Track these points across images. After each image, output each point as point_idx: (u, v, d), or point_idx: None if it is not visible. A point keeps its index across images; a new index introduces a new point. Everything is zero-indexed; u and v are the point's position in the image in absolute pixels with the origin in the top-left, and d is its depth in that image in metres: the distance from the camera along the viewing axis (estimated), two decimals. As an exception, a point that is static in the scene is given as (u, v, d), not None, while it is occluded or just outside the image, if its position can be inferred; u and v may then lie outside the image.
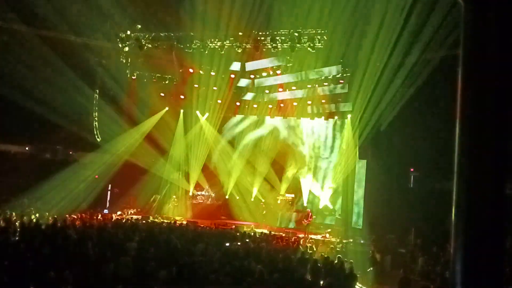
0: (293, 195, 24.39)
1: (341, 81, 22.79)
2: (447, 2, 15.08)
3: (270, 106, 26.52)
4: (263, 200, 25.04)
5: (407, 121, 19.84)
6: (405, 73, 19.60)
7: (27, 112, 20.96)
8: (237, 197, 25.85)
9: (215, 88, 26.51)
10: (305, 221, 21.06)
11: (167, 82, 26.77)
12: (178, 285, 8.61)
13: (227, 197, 26.03)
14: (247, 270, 9.69)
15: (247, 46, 22.62)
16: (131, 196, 24.97)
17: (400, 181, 21.88)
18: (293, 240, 17.48)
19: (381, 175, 21.28)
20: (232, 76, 25.56)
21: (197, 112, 27.29)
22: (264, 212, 23.13)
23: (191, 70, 25.92)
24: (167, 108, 27.00)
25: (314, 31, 20.87)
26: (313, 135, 25.02)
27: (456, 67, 1.88)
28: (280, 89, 25.38)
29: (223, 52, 23.13)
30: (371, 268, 13.42)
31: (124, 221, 19.47)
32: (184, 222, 20.99)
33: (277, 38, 21.61)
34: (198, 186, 26.69)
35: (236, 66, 24.38)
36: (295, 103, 25.44)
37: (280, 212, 23.85)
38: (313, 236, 19.88)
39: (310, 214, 21.30)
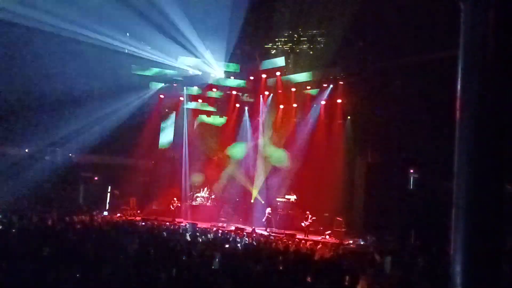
0: (294, 196, 24.32)
1: (340, 82, 22.78)
2: (447, 3, 15.09)
3: (270, 107, 26.50)
4: (263, 202, 24.99)
5: (407, 121, 19.83)
6: (405, 74, 19.61)
7: (27, 114, 20.96)
8: (237, 199, 25.81)
9: (214, 90, 26.56)
10: (305, 222, 21.04)
11: (167, 83, 26.80)
12: (177, 286, 8.60)
13: (227, 198, 26.00)
14: (246, 271, 9.67)
15: (247, 47, 22.67)
16: (131, 198, 24.97)
17: (399, 182, 21.86)
18: (293, 241, 17.46)
19: (381, 176, 21.26)
20: (232, 77, 25.60)
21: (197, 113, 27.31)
22: (265, 218, 23.05)
23: (191, 72, 25.94)
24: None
25: (313, 32, 20.91)
26: (313, 135, 24.95)
27: (455, 67, 1.88)
28: (280, 91, 25.38)
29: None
30: (370, 269, 13.40)
31: (123, 222, 19.46)
32: (184, 223, 21.01)
33: (277, 39, 21.65)
34: (198, 188, 26.64)
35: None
36: (295, 104, 25.43)
37: (279, 213, 23.80)
38: (313, 238, 19.86)
39: (309, 215, 21.26)
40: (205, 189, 26.39)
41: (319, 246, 16.91)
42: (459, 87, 1.88)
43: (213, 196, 26.19)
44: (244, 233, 18.74)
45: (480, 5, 1.84)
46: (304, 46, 21.32)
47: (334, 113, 24.17)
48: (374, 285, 12.78)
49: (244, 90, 26.64)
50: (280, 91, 25.22)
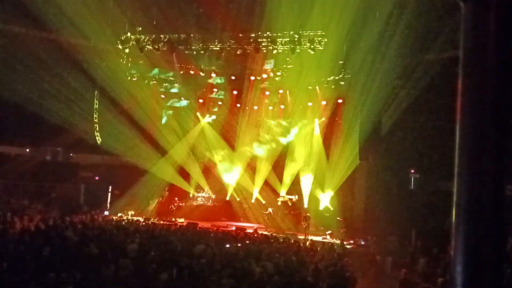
0: (294, 196, 24.34)
1: (341, 82, 22.80)
2: (447, 3, 15.10)
3: (270, 108, 26.52)
4: (263, 202, 25.00)
5: (407, 122, 19.84)
6: (405, 75, 19.61)
7: (28, 113, 20.98)
8: (238, 199, 25.84)
9: (215, 89, 26.59)
10: (304, 223, 20.99)
11: (167, 84, 26.85)
12: (178, 287, 8.60)
13: (227, 198, 26.04)
14: (247, 271, 9.67)
15: (247, 48, 22.68)
16: (132, 198, 24.98)
17: (400, 183, 21.85)
18: (293, 241, 17.46)
19: (382, 177, 21.25)
20: (233, 77, 25.63)
21: (198, 113, 27.32)
22: (266, 217, 23.09)
23: (191, 72, 25.97)
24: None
25: (314, 33, 20.92)
26: (314, 136, 24.99)
27: (456, 68, 1.88)
28: (281, 91, 25.40)
29: (223, 54, 23.19)
30: (371, 270, 13.42)
31: (124, 222, 19.48)
32: (185, 224, 21.01)
33: (278, 40, 21.66)
34: (198, 188, 26.68)
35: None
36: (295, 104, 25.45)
37: (280, 213, 23.80)
38: (313, 238, 19.84)
39: (307, 216, 21.18)
40: (206, 189, 26.43)
41: (319, 247, 16.93)
42: (459, 87, 1.87)
43: (213, 196, 26.22)
44: None
45: (481, 5, 1.84)
46: (305, 46, 21.31)
47: (334, 113, 24.20)
48: (375, 285, 12.81)
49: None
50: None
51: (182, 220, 23.10)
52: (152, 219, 22.05)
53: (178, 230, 17.39)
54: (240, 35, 22.12)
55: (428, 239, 17.37)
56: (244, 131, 26.62)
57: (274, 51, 22.47)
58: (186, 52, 23.79)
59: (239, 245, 13.94)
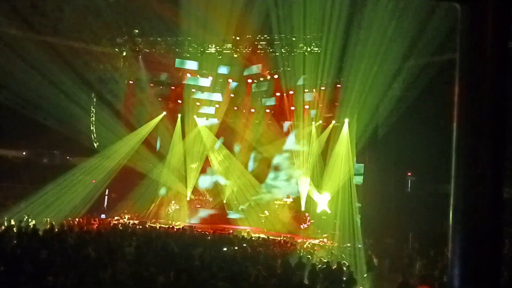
0: (291, 199, 24.32)
1: (338, 85, 22.82)
2: (444, 6, 15.16)
3: (267, 110, 26.52)
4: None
5: (404, 125, 19.88)
6: (402, 78, 19.67)
7: (25, 117, 20.94)
8: (235, 201, 25.80)
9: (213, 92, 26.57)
10: (303, 225, 20.99)
11: (164, 86, 26.80)
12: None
13: (225, 201, 26.00)
14: (245, 274, 9.66)
15: (244, 51, 22.69)
16: (129, 201, 24.90)
17: (397, 186, 21.87)
18: (291, 244, 17.45)
19: (379, 180, 21.27)
20: (230, 80, 25.61)
21: (195, 116, 27.27)
22: (263, 220, 23.05)
23: (188, 75, 25.94)
24: (164, 113, 26.98)
25: (311, 36, 20.95)
26: (311, 139, 24.98)
27: (453, 71, 1.88)
28: (278, 94, 25.40)
29: (220, 57, 23.19)
30: (369, 273, 13.42)
31: (121, 226, 19.42)
32: (181, 227, 20.96)
33: (275, 42, 21.68)
34: (195, 191, 26.63)
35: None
36: (292, 107, 25.44)
37: (278, 216, 23.78)
38: (311, 241, 19.84)
39: (308, 218, 21.21)
40: (204, 192, 26.39)
41: (317, 249, 16.93)
42: (456, 89, 1.88)
43: (211, 199, 26.18)
44: None
45: (477, 7, 1.85)
46: (302, 49, 21.35)
47: (331, 116, 24.21)
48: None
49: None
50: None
51: (179, 223, 23.03)
52: (149, 222, 21.98)
53: (175, 233, 17.34)
54: (237, 38, 22.12)
55: (426, 242, 17.40)
56: (242, 134, 26.62)
57: (271, 54, 22.49)
58: (184, 55, 23.81)
59: (236, 248, 13.90)
